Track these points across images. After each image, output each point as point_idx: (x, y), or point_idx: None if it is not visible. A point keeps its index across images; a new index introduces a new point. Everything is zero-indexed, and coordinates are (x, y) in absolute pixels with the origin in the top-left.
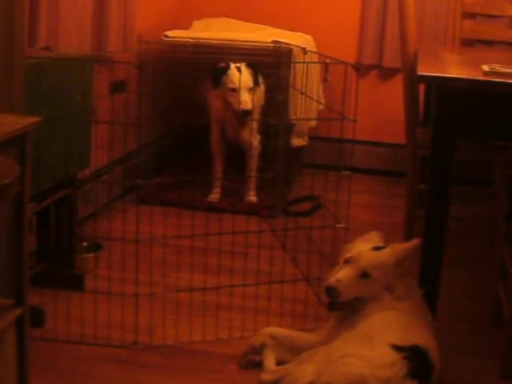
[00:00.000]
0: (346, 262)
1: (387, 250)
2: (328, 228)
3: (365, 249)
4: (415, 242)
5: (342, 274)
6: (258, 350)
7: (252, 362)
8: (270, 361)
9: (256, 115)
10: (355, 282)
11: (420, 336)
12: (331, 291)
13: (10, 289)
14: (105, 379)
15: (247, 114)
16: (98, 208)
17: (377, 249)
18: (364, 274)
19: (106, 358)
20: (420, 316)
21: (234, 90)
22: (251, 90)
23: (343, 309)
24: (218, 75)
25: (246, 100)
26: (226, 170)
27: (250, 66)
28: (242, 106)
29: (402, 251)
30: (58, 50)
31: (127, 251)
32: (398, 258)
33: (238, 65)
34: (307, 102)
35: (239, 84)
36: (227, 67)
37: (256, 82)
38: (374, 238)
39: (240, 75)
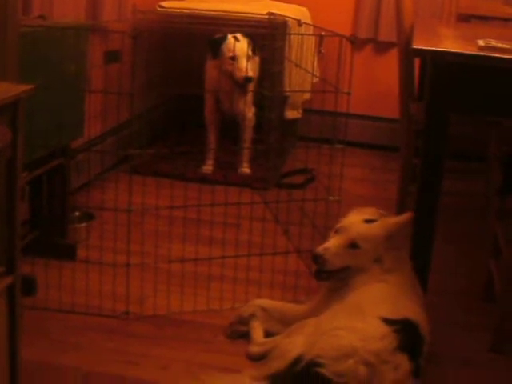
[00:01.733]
0: (337, 231)
1: (378, 222)
2: (321, 201)
3: (356, 220)
4: (407, 216)
5: (330, 243)
6: (246, 321)
7: (238, 333)
8: (257, 332)
9: (251, 87)
10: (343, 252)
11: (410, 309)
12: (318, 258)
13: (2, 257)
14: (96, 348)
15: (249, 80)
16: (91, 178)
17: (368, 221)
18: (353, 245)
19: (97, 327)
20: (410, 289)
21: (232, 58)
22: (249, 59)
23: (331, 278)
24: (217, 45)
25: (246, 67)
26: (219, 142)
27: (246, 35)
28: (242, 73)
29: (392, 225)
30: (53, 18)
31: (119, 221)
32: (389, 232)
33: (235, 35)
34: (302, 75)
35: (237, 52)
36: (224, 37)
37: (253, 52)
38: (369, 211)
39: (237, 43)
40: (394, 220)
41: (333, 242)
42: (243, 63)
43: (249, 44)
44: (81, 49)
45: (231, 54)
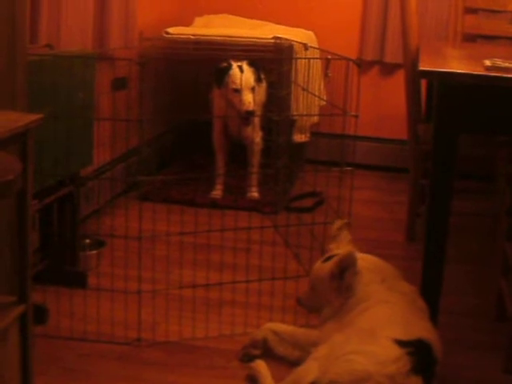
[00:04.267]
0: None
1: (328, 262)
2: (330, 224)
3: (318, 262)
4: (342, 255)
5: (302, 291)
6: (259, 345)
7: (249, 356)
8: (265, 377)
9: (258, 111)
10: (310, 296)
11: (422, 328)
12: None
13: (14, 286)
14: (108, 376)
15: (250, 114)
16: (101, 205)
17: (327, 260)
18: (313, 288)
19: (109, 354)
20: (414, 305)
21: (236, 90)
22: (253, 90)
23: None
24: (221, 75)
25: (249, 101)
26: (228, 167)
27: (251, 64)
28: (244, 107)
29: (333, 264)
30: (60, 47)
31: (130, 248)
32: (330, 272)
33: (240, 64)
34: (309, 98)
35: (241, 84)
36: (229, 67)
37: (258, 80)
38: (344, 237)
39: (242, 75)
40: (335, 259)
41: (304, 290)
42: (247, 97)
43: (254, 73)
44: (88, 77)
45: (235, 87)
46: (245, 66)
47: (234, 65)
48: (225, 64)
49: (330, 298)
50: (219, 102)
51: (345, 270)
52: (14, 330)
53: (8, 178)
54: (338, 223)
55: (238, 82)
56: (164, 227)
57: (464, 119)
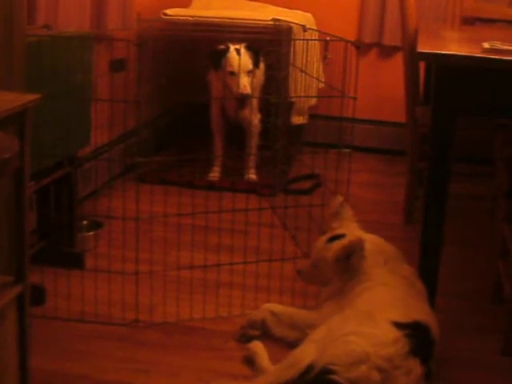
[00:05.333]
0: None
1: (335, 244)
2: (328, 206)
3: (321, 239)
4: (350, 240)
5: (302, 264)
6: (257, 326)
7: (247, 336)
8: (262, 357)
9: (256, 93)
10: (311, 272)
11: (420, 311)
12: (299, 275)
13: (11, 266)
14: (105, 357)
15: (246, 98)
16: (98, 186)
17: (332, 239)
18: (315, 265)
19: (107, 335)
20: (413, 288)
21: (233, 73)
22: (250, 73)
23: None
24: (218, 57)
25: (245, 84)
26: (225, 149)
27: (249, 47)
28: (240, 90)
29: (340, 247)
30: (57, 28)
31: (127, 229)
32: (336, 255)
33: (238, 47)
34: (307, 80)
35: (238, 68)
36: (226, 49)
37: (256, 64)
38: (344, 215)
39: (239, 58)
40: (341, 243)
41: (304, 263)
42: (243, 80)
43: (251, 57)
44: (86, 58)
45: (231, 70)
46: (242, 50)
47: (232, 48)
48: (222, 47)
49: (333, 278)
50: (217, 84)
51: (351, 254)
52: (11, 311)
53: (4, 157)
54: (337, 199)
55: (234, 65)
56: (161, 209)
57: (462, 102)
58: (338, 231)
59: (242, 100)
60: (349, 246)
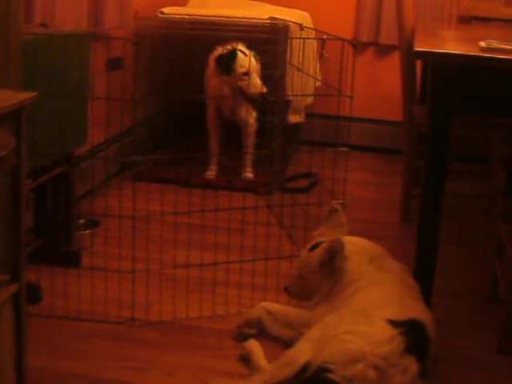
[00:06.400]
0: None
1: (317, 250)
2: (325, 204)
3: (304, 249)
4: (329, 241)
5: (289, 279)
6: (253, 324)
7: (244, 335)
8: (258, 356)
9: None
10: (298, 285)
11: (415, 308)
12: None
13: (7, 265)
14: (102, 355)
15: (264, 96)
16: (95, 185)
17: (313, 248)
18: (301, 277)
19: (103, 334)
20: (406, 286)
21: (246, 74)
22: (258, 72)
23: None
24: (228, 62)
25: (259, 82)
26: (222, 148)
27: (249, 47)
28: (258, 90)
29: (321, 252)
30: (54, 26)
31: (124, 228)
32: (320, 260)
33: (239, 47)
34: (304, 79)
35: (250, 67)
36: (233, 52)
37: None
38: (332, 221)
39: (248, 59)
40: (322, 247)
41: (290, 278)
42: (256, 79)
43: (254, 56)
44: (83, 56)
45: (244, 70)
46: (245, 50)
47: (237, 50)
48: (225, 50)
49: (320, 284)
50: (213, 82)
51: (333, 255)
52: (7, 309)
53: (1, 155)
54: (330, 206)
55: (246, 65)
56: (158, 207)
57: (459, 100)
58: (319, 239)
59: (258, 100)
60: (329, 248)
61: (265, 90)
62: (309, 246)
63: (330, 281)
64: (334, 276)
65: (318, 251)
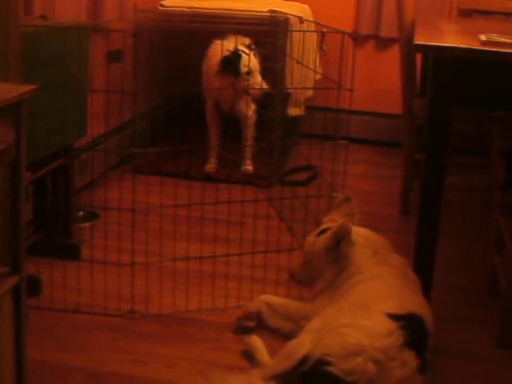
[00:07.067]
0: None
1: (322, 236)
2: (324, 197)
3: (312, 234)
4: (336, 226)
5: (294, 265)
6: (253, 317)
7: (243, 327)
8: (261, 352)
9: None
10: (304, 270)
11: (414, 302)
12: (293, 278)
13: (7, 257)
14: (101, 348)
15: (268, 94)
16: (95, 177)
17: (321, 233)
18: (307, 262)
19: (103, 326)
20: (406, 280)
21: (248, 73)
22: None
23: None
24: (235, 64)
25: (262, 81)
26: (221, 140)
27: (250, 47)
28: (260, 90)
29: (327, 238)
30: (54, 18)
31: (123, 220)
32: (326, 245)
33: (242, 48)
34: (304, 72)
35: (252, 66)
36: (237, 53)
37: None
38: (344, 210)
39: (248, 58)
40: (329, 232)
41: (296, 264)
42: (259, 78)
43: (255, 55)
44: (83, 48)
45: (247, 70)
46: (246, 50)
47: (239, 51)
48: (229, 52)
49: (325, 269)
50: (210, 75)
51: (340, 241)
52: (7, 301)
53: (0, 147)
54: (343, 195)
55: (248, 64)
56: (157, 200)
57: (459, 94)
58: (327, 225)
59: (262, 98)
60: (336, 232)
61: (265, 86)
62: (317, 231)
63: (335, 268)
64: (339, 263)
65: (324, 237)
